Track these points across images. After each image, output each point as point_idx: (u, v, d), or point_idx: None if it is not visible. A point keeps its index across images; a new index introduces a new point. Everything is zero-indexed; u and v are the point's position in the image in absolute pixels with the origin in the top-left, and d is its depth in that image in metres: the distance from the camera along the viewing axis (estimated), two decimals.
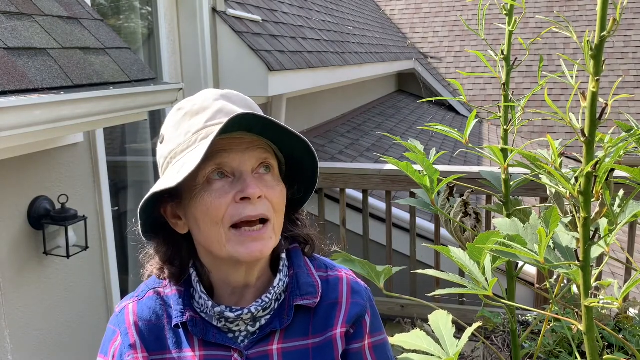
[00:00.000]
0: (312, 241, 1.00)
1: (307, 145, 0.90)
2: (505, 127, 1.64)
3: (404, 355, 1.07)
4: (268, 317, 0.91)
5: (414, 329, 1.20)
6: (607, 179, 1.00)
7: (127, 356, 0.90)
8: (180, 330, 0.91)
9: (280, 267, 0.94)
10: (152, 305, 0.94)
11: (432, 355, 1.06)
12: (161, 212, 0.92)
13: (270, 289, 0.92)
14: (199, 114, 0.87)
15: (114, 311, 0.98)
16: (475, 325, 1.03)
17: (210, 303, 0.90)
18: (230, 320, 0.90)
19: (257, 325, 0.91)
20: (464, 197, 1.75)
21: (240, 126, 0.84)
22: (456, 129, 1.60)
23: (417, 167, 1.59)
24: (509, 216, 1.66)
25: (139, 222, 0.91)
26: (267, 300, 0.91)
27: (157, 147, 0.93)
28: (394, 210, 3.65)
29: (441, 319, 1.23)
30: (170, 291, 0.94)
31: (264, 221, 0.86)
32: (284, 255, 0.96)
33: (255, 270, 0.91)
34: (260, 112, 0.93)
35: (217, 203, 0.84)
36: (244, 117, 0.83)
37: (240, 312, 0.89)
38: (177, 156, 0.86)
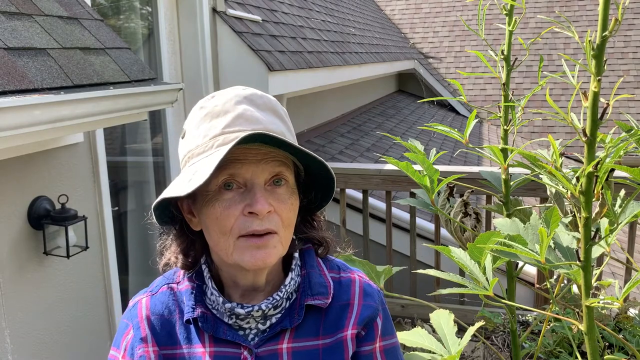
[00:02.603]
0: (327, 243, 1.00)
1: (322, 164, 0.89)
2: (505, 127, 1.64)
3: (406, 354, 1.07)
4: (279, 315, 0.92)
5: (414, 328, 1.20)
6: (607, 179, 1.00)
7: (138, 349, 0.91)
8: (192, 326, 0.92)
9: (293, 266, 0.95)
10: (165, 300, 0.95)
11: (434, 353, 1.06)
12: (178, 205, 0.93)
13: (282, 287, 0.92)
14: (219, 117, 0.86)
15: (128, 305, 0.99)
16: (478, 325, 1.03)
17: (221, 299, 0.91)
18: (240, 317, 0.90)
19: (268, 323, 0.91)
20: (464, 197, 1.75)
21: (255, 138, 0.84)
22: (456, 129, 1.61)
23: (417, 167, 1.59)
24: (509, 216, 1.66)
25: (154, 216, 0.92)
26: (277, 298, 0.91)
27: (179, 140, 0.94)
28: (394, 210, 3.65)
29: (443, 318, 1.23)
30: (183, 287, 0.95)
31: (271, 232, 0.86)
32: (296, 255, 0.96)
33: (263, 275, 0.91)
34: (285, 117, 0.92)
35: (226, 214, 0.85)
36: (257, 130, 0.82)
37: (250, 309, 0.89)
38: (193, 158, 0.87)
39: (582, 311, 1.03)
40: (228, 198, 0.85)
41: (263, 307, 0.89)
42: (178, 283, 0.96)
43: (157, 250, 0.99)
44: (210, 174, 0.80)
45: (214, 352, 0.89)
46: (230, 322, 0.91)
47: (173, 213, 0.93)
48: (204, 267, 0.94)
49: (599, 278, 2.90)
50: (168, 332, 0.92)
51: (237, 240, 0.85)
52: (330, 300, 0.93)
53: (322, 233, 1.00)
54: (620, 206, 1.13)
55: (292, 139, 0.90)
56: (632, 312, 2.59)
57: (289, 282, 0.92)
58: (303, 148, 0.85)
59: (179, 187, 0.85)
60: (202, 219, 0.89)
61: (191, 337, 0.91)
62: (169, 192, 0.87)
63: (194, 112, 0.91)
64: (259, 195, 0.84)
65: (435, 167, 1.59)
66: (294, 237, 0.96)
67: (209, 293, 0.93)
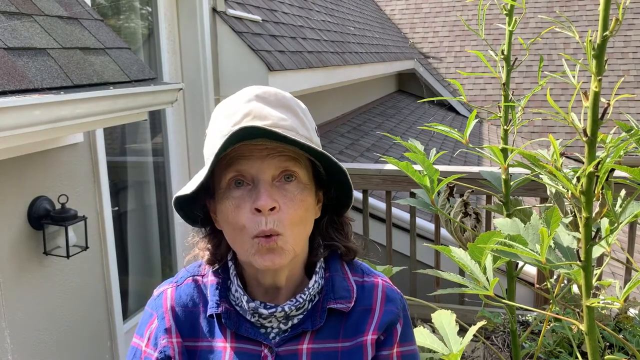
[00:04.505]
0: (352, 252, 1.00)
1: (325, 156, 0.88)
2: (505, 127, 1.64)
3: None
4: (301, 316, 0.92)
5: (415, 328, 1.20)
6: (607, 179, 1.00)
7: (162, 340, 0.92)
8: (214, 320, 0.93)
9: (317, 269, 0.95)
10: (190, 293, 0.96)
11: (435, 352, 1.06)
12: (207, 204, 0.94)
13: (305, 289, 0.92)
14: (230, 116, 0.87)
15: (153, 294, 0.99)
16: (479, 325, 1.03)
17: (245, 298, 0.91)
18: (263, 317, 0.91)
19: (290, 323, 0.92)
20: (464, 197, 1.75)
21: (255, 134, 0.84)
22: (456, 129, 1.61)
23: (417, 167, 1.59)
24: (509, 216, 1.66)
25: (180, 215, 0.95)
26: (301, 300, 0.91)
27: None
28: (394, 210, 3.65)
29: (444, 318, 1.23)
30: (208, 280, 0.96)
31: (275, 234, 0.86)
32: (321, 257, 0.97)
33: (282, 274, 0.92)
34: (301, 113, 0.91)
35: (236, 213, 0.86)
36: (259, 126, 0.82)
37: (274, 309, 0.90)
38: (208, 157, 0.89)
39: (582, 311, 1.03)
40: (237, 196, 0.86)
41: (286, 308, 0.90)
42: (203, 276, 0.97)
43: (187, 246, 1.00)
44: (207, 173, 0.83)
45: (235, 347, 0.90)
46: (252, 320, 0.92)
47: (206, 213, 0.95)
48: (230, 263, 0.95)
49: (600, 278, 2.90)
50: (191, 324, 0.93)
51: (252, 240, 0.85)
52: (352, 304, 0.93)
53: (347, 242, 0.99)
54: (620, 206, 1.13)
55: (306, 134, 0.89)
56: (632, 312, 2.59)
57: (313, 285, 0.93)
58: (304, 142, 0.84)
59: (187, 186, 0.88)
60: (219, 217, 0.90)
61: (213, 330, 0.92)
62: (180, 192, 0.89)
63: (212, 114, 0.93)
64: (263, 190, 0.85)
65: (435, 167, 1.59)
66: (320, 241, 0.96)
67: (233, 289, 0.93)
